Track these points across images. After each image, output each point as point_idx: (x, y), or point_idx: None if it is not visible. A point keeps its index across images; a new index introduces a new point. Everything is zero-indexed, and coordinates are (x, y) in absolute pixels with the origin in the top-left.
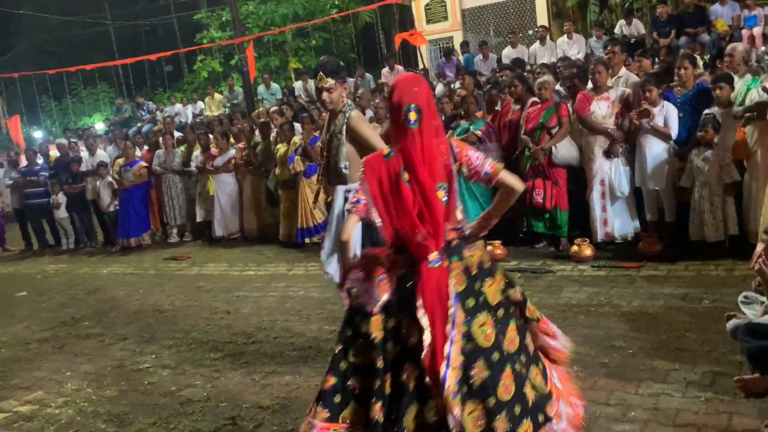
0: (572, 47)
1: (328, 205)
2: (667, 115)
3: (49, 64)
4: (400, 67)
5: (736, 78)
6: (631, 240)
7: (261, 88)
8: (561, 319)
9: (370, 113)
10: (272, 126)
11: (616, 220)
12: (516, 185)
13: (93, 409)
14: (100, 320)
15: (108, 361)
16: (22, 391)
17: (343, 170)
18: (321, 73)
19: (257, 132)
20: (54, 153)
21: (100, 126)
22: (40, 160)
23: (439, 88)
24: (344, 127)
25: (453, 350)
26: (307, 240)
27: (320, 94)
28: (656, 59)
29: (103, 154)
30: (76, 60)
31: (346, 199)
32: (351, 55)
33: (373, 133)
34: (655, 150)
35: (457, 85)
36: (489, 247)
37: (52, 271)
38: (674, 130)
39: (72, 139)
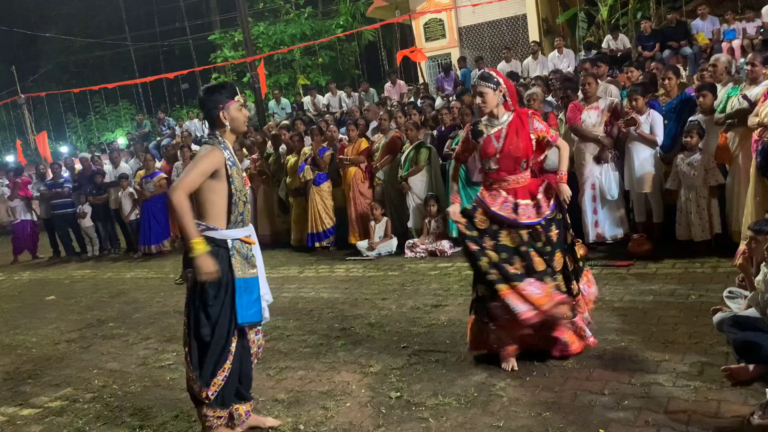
0: (562, 61)
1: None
2: (652, 122)
3: (73, 84)
4: (401, 82)
5: (718, 87)
6: (621, 240)
7: (272, 103)
8: None
9: (374, 124)
10: (282, 139)
11: (606, 222)
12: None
13: (119, 404)
14: (124, 321)
15: (132, 359)
16: (53, 388)
17: None
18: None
19: (270, 144)
20: (78, 167)
21: (121, 141)
22: (65, 173)
23: (438, 101)
24: None
25: None
26: (317, 244)
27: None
28: (644, 70)
29: (125, 166)
30: (98, 79)
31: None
32: (356, 72)
33: None
34: (642, 156)
35: (454, 99)
36: None
37: (78, 277)
38: (660, 137)
39: (95, 153)
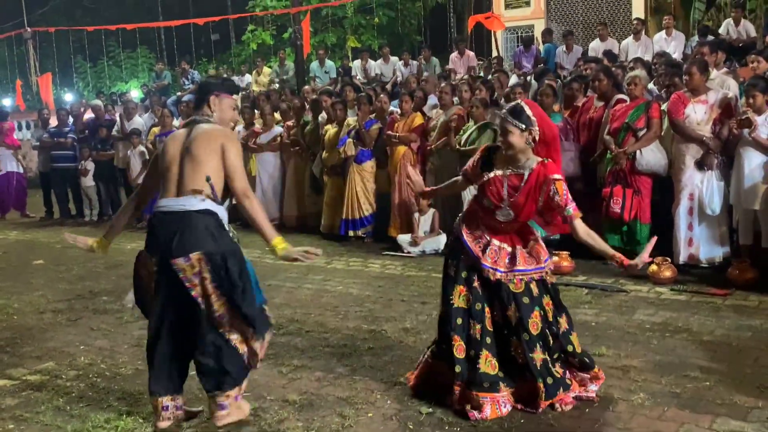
0: (669, 44)
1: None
2: None
3: (87, 21)
4: (471, 53)
5: None
6: (719, 265)
7: (314, 65)
8: (631, 341)
9: (433, 99)
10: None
11: (703, 241)
12: None
13: (106, 385)
14: (119, 296)
15: (125, 338)
16: (33, 360)
17: None
18: None
19: (308, 110)
20: (90, 116)
21: (135, 94)
22: (71, 121)
23: (513, 79)
24: None
25: None
26: (351, 233)
27: None
28: None
29: (138, 121)
30: (116, 19)
31: None
32: (417, 37)
33: None
34: (754, 163)
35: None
36: (555, 258)
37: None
38: None
39: (107, 104)
